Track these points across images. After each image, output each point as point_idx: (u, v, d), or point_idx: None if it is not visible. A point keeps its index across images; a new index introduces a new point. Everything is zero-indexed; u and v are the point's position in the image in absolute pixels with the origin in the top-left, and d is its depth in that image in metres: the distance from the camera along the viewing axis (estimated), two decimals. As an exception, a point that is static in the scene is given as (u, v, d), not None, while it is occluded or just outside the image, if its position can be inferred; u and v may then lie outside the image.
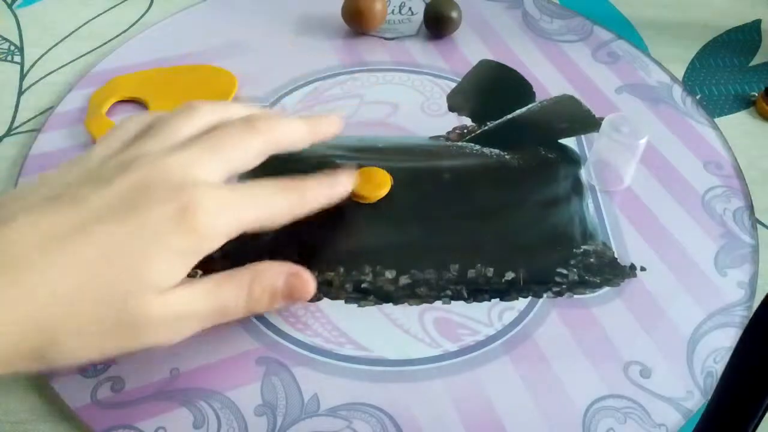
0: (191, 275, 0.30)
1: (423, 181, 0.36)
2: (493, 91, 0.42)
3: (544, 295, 0.32)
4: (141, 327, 0.22)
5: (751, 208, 0.36)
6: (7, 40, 0.46)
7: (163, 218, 0.22)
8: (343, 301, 0.31)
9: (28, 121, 0.41)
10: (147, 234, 0.22)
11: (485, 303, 0.32)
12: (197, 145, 0.25)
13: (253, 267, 0.26)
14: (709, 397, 0.28)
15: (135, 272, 0.22)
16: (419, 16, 0.47)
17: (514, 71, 0.43)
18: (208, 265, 0.26)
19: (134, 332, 0.22)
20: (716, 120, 0.41)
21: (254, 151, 0.26)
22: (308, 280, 0.27)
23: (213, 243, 0.24)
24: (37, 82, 0.43)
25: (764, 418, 0.23)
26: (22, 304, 0.20)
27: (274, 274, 0.26)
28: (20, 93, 0.43)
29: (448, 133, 0.39)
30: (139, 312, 0.22)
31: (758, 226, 0.35)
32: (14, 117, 0.41)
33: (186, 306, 0.23)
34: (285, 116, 0.28)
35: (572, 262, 0.33)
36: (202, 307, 0.24)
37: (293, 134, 0.28)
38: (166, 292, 0.23)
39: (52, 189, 0.23)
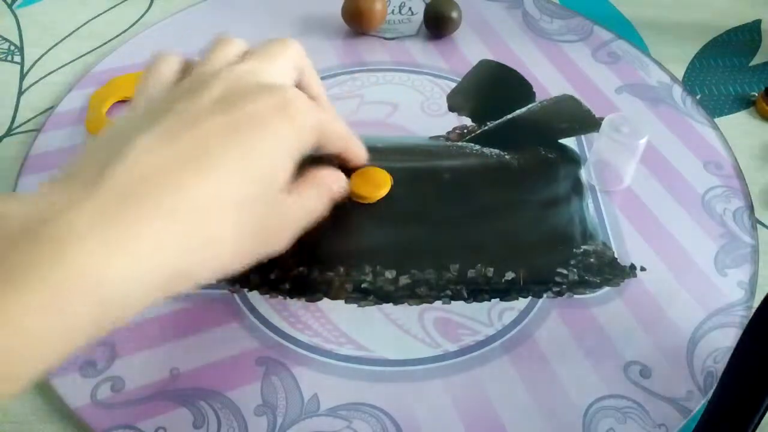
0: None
1: (423, 181, 0.36)
2: (493, 91, 0.42)
3: (544, 295, 0.32)
4: (276, 229, 0.24)
5: (751, 208, 0.36)
6: (7, 40, 0.46)
7: (268, 108, 0.23)
8: (343, 301, 0.31)
9: (28, 121, 0.41)
10: (257, 123, 0.23)
11: (485, 303, 0.32)
12: (254, 58, 0.26)
13: (315, 175, 0.27)
14: (709, 397, 0.28)
15: (262, 166, 0.23)
16: (419, 16, 0.47)
17: (514, 71, 0.43)
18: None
19: (269, 234, 0.24)
20: (716, 120, 0.41)
21: (293, 62, 0.28)
22: (345, 180, 0.29)
23: (308, 137, 0.25)
24: (37, 82, 0.43)
25: (764, 417, 0.23)
26: (190, 218, 0.21)
27: (332, 182, 0.28)
28: (20, 93, 0.43)
29: (448, 133, 0.39)
30: (274, 211, 0.23)
31: (758, 226, 0.35)
32: (14, 117, 0.41)
33: (295, 209, 0.25)
34: None
35: (572, 262, 0.33)
36: (302, 209, 0.26)
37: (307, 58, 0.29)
38: (285, 193, 0.24)
39: (142, 117, 0.23)
